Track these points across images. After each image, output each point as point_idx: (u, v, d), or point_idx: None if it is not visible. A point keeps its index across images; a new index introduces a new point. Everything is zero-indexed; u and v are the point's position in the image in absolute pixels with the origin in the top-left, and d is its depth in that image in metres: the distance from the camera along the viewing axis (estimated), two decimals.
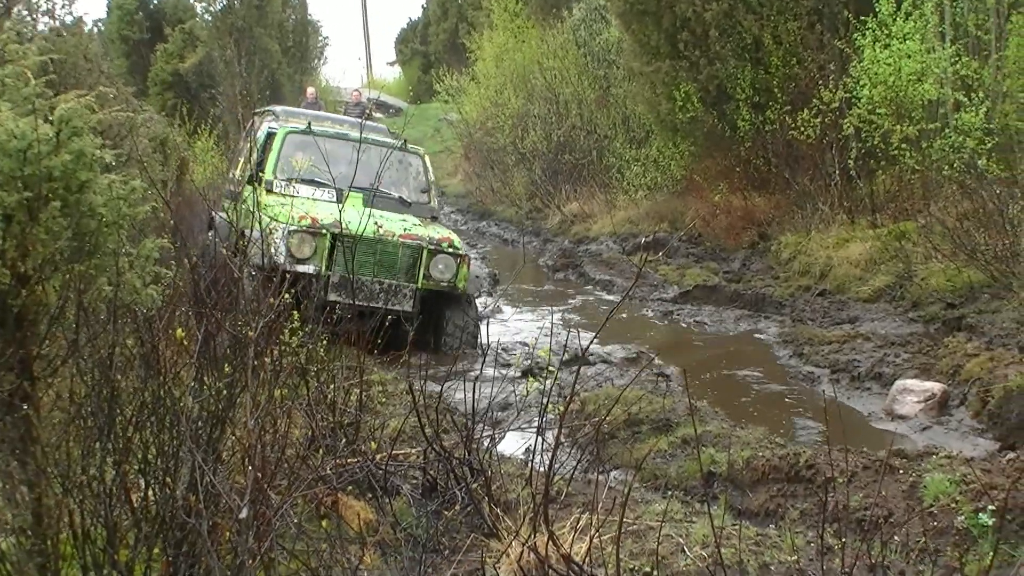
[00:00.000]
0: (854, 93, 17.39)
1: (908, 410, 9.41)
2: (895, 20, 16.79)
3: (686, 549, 4.85)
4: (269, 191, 13.01)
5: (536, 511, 4.50)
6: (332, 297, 11.45)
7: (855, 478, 6.23)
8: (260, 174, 13.26)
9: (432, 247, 12.54)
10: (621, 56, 26.69)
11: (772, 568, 4.64)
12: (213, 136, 29.73)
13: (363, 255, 11.92)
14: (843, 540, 4.09)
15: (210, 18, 39.21)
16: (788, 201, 20.05)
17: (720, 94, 21.38)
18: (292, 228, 11.67)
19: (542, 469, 5.10)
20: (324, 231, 11.77)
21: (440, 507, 5.70)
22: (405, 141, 14.57)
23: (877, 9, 17.03)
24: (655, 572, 4.51)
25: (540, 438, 5.32)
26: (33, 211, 4.06)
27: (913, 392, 9.58)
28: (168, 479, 3.91)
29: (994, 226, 12.94)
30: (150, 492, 3.92)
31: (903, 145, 16.41)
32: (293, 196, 12.55)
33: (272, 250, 11.29)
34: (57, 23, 15.43)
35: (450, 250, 12.68)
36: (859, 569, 4.32)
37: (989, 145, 15.03)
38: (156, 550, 3.87)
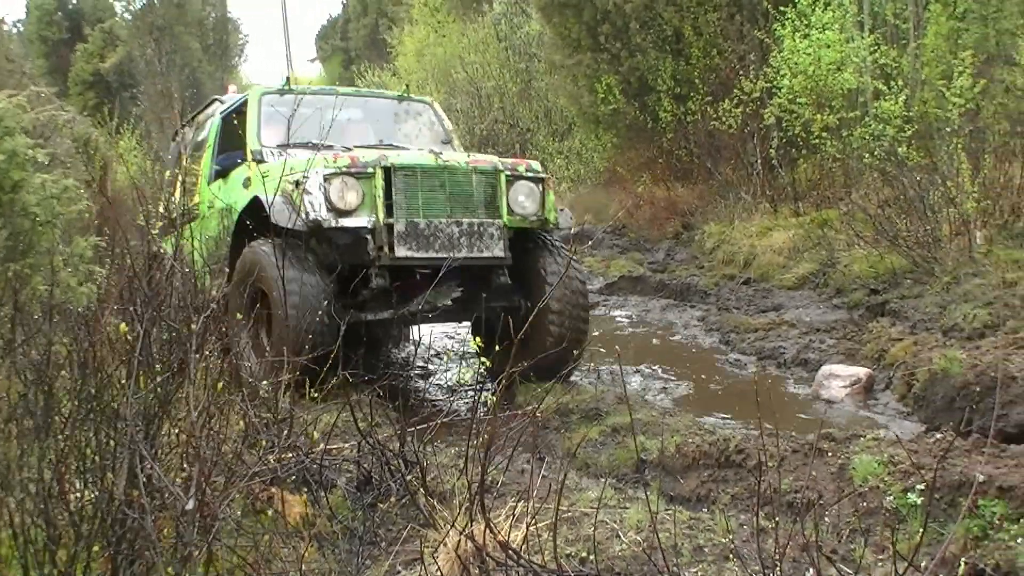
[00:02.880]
0: (775, 83, 17.58)
1: (835, 394, 9.53)
2: (814, 10, 17.04)
3: (621, 534, 4.90)
4: (259, 161, 10.28)
5: (472, 500, 4.53)
6: (402, 252, 9.02)
7: (785, 462, 6.32)
8: (193, 162, 11.77)
9: (509, 172, 9.77)
10: (542, 49, 26.88)
11: (706, 550, 4.71)
12: (135, 135, 29.61)
13: (429, 191, 9.32)
14: (776, 521, 4.15)
15: (130, 17, 39.06)
16: (711, 191, 20.28)
17: (641, 86, 21.60)
18: (329, 171, 8.98)
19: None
20: (372, 168, 9.10)
21: (375, 499, 5.72)
22: (408, 87, 12.53)
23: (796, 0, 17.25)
24: (591, 557, 4.56)
25: (474, 426, 5.32)
26: None
27: (839, 377, 9.70)
28: (108, 475, 3.92)
29: (915, 212, 13.13)
30: (87, 491, 3.92)
31: (824, 134, 16.65)
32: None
33: (306, 205, 8.90)
34: None
35: (529, 174, 9.91)
36: (792, 548, 4.40)
37: (909, 133, 15.25)
38: (96, 548, 3.87)
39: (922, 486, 5.22)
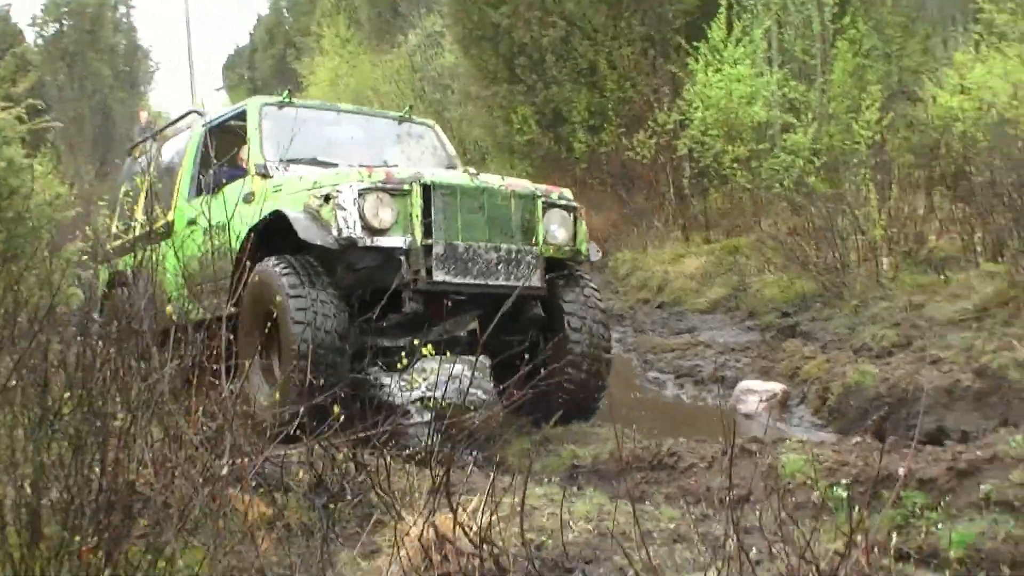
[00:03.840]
0: (687, 115, 18.03)
1: (752, 408, 9.90)
2: (726, 46, 17.51)
3: (572, 523, 5.20)
4: (264, 175, 9.40)
5: (437, 489, 4.80)
6: (440, 277, 8.30)
7: (715, 463, 6.66)
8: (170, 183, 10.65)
9: (544, 198, 9.08)
10: (456, 81, 27.14)
11: (655, 535, 5.02)
12: (50, 161, 29.49)
13: (468, 213, 8.57)
14: (726, 501, 4.47)
15: (42, 42, 38.85)
16: (624, 219, 20.61)
17: (556, 117, 21.93)
18: (364, 186, 8.19)
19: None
20: (409, 185, 8.32)
21: (329, 500, 5.95)
22: (411, 107, 11.81)
23: (709, 35, 17.74)
24: (549, 542, 4.86)
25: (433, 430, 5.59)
26: None
27: (756, 392, 10.08)
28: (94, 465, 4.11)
29: (824, 240, 13.58)
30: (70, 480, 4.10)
31: (734, 165, 17.08)
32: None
33: (339, 221, 8.11)
34: None
35: (563, 202, 9.29)
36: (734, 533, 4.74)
37: (817, 164, 15.74)
38: (76, 538, 4.04)
39: (845, 481, 5.60)
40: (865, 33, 17.98)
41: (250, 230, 8.72)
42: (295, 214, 8.28)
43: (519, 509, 5.32)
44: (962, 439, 7.19)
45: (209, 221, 9.01)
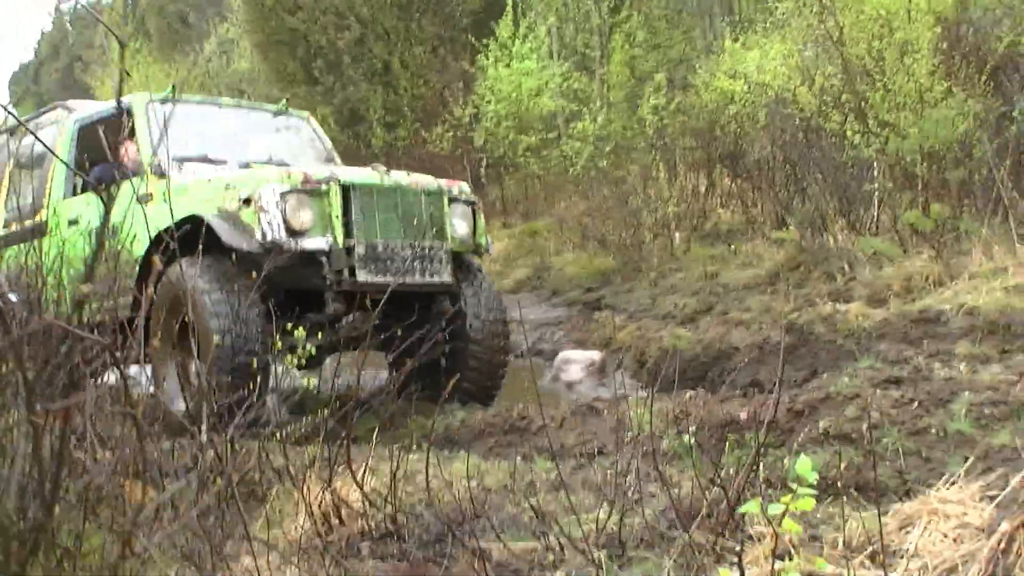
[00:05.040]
0: (480, 109, 18.33)
1: (574, 376, 10.21)
2: (514, 42, 17.87)
3: (455, 482, 5.38)
4: (161, 175, 8.56)
5: (333, 458, 4.94)
6: (364, 277, 8.03)
7: (565, 423, 6.92)
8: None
9: (448, 194, 8.86)
10: (253, 85, 26.96)
11: (537, 484, 5.24)
12: None
13: (384, 212, 8.31)
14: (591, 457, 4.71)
15: None
16: None
17: (354, 115, 22.01)
18: (285, 188, 7.86)
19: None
20: (326, 186, 8.03)
21: (206, 481, 5.99)
22: (287, 100, 11.19)
23: (497, 33, 18.07)
24: (441, 497, 5.03)
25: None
26: None
27: (575, 361, 10.39)
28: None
29: (618, 218, 14.02)
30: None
31: (527, 153, 17.46)
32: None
33: (263, 225, 7.73)
34: None
35: (463, 197, 9.07)
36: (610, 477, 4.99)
37: (607, 149, 16.21)
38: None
39: (692, 428, 5.91)
40: (638, 26, 18.54)
41: (159, 233, 7.13)
42: (213, 218, 7.79)
43: (407, 474, 5.51)
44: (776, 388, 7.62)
45: (104, 222, 7.97)
